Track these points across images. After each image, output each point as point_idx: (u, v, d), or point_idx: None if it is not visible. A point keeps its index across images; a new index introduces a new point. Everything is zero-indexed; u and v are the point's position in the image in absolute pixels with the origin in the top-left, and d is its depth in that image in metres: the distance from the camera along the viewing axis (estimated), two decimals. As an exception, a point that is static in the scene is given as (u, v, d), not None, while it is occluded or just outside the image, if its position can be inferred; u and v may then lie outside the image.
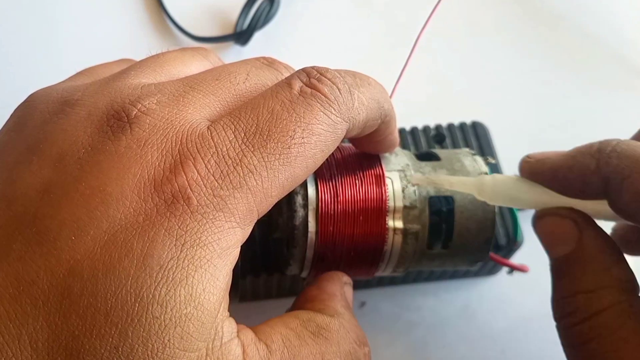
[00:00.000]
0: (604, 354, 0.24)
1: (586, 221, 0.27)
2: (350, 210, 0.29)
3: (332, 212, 0.28)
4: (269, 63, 0.26)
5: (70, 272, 0.18)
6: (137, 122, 0.21)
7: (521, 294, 0.39)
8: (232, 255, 0.21)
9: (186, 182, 0.20)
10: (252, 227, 0.22)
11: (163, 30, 0.50)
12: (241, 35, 0.48)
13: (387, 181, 0.29)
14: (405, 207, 0.29)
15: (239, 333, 0.21)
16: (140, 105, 0.21)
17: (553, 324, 0.27)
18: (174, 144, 0.21)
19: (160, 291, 0.19)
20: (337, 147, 0.30)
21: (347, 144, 0.31)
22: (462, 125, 0.41)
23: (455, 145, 0.39)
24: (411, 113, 0.43)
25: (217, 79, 0.24)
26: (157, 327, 0.18)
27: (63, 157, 0.21)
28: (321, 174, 0.29)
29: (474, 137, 0.40)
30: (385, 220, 0.29)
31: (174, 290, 0.19)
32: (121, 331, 0.18)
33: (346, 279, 0.29)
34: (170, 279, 0.19)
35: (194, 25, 0.49)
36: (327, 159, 0.29)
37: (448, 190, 0.30)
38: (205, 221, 0.20)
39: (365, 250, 0.29)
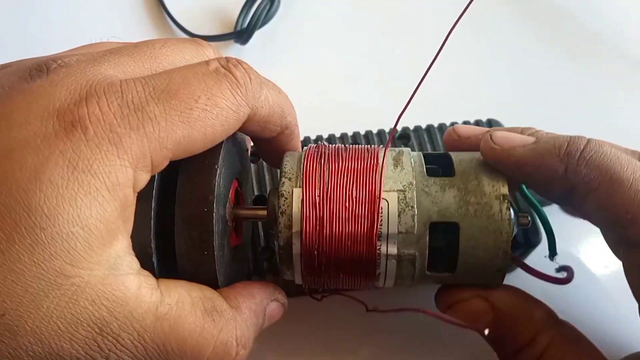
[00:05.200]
0: None
1: (486, 289, 0.29)
2: (337, 233, 0.26)
3: (317, 236, 0.26)
4: (193, 40, 0.28)
5: None
6: (54, 71, 0.23)
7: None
8: (123, 195, 0.22)
9: (87, 114, 0.21)
10: (147, 176, 0.23)
11: (163, 28, 0.50)
12: (241, 34, 0.47)
13: (383, 203, 0.26)
14: (400, 232, 0.26)
15: (141, 274, 0.23)
16: (60, 60, 0.23)
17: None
18: (83, 86, 0.22)
19: (48, 204, 0.20)
20: (337, 149, 0.28)
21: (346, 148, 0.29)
22: (478, 123, 0.39)
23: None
24: (427, 111, 0.41)
25: (136, 46, 0.25)
26: (43, 238, 0.20)
27: None
28: (308, 193, 0.27)
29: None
30: (376, 246, 0.26)
31: (62, 205, 0.20)
32: (8, 236, 0.20)
33: (280, 297, 0.29)
34: (60, 195, 0.20)
35: (194, 24, 0.49)
36: (320, 169, 0.27)
37: (454, 215, 0.27)
38: (98, 150, 0.21)
39: (355, 274, 0.27)
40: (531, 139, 0.28)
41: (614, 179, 0.25)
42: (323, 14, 0.51)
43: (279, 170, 0.31)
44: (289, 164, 0.28)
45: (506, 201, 0.27)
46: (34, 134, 0.21)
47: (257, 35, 0.48)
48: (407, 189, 0.27)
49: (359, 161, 0.28)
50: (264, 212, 0.28)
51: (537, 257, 0.34)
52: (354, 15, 0.51)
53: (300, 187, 0.27)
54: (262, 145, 0.30)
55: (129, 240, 0.23)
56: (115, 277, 0.22)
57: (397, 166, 0.28)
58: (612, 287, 0.38)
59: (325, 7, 0.51)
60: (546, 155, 0.26)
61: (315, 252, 0.26)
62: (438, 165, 0.29)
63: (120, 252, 0.22)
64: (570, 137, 0.27)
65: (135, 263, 0.23)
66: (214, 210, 0.25)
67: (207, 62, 0.25)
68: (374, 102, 0.43)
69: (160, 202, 0.26)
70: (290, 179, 0.27)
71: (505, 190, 0.27)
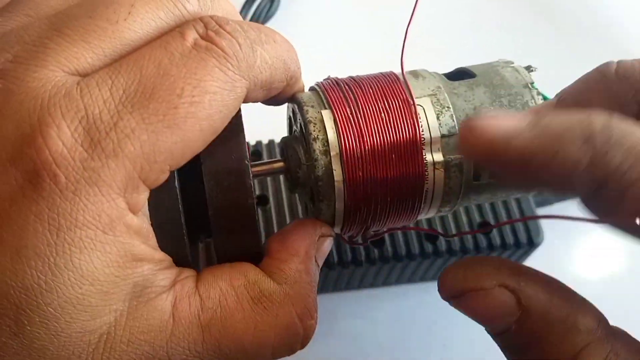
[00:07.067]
0: None
1: (515, 276, 0.22)
2: (380, 149, 0.24)
3: (359, 155, 0.24)
4: None
5: None
6: None
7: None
8: (123, 226, 0.19)
9: (50, 156, 0.18)
10: (145, 194, 0.20)
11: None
12: (241, 34, 0.46)
13: (418, 109, 0.25)
14: (443, 136, 0.25)
15: (177, 283, 0.21)
16: None
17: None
18: (32, 111, 0.18)
19: (44, 278, 0.18)
20: (352, 77, 0.26)
21: (364, 75, 0.27)
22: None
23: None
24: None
25: (90, 16, 0.20)
26: (52, 311, 0.18)
27: None
28: (339, 111, 0.25)
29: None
30: (422, 155, 0.24)
31: (60, 275, 0.18)
32: (16, 321, 0.18)
33: (325, 230, 0.26)
34: (53, 264, 0.18)
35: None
36: (343, 92, 0.25)
37: (491, 110, 0.25)
38: (78, 200, 0.18)
39: (403, 194, 0.25)
40: (528, 117, 0.20)
41: None
42: (322, 13, 0.51)
43: (289, 116, 0.29)
44: (305, 96, 0.26)
45: (535, 88, 0.26)
46: None
47: (257, 34, 0.47)
48: (437, 92, 0.25)
49: (377, 80, 0.26)
50: (281, 164, 0.26)
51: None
52: (354, 14, 0.51)
53: (328, 108, 0.25)
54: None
55: (156, 253, 0.21)
56: (146, 303, 0.20)
57: (417, 78, 0.26)
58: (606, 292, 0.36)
59: (324, 6, 0.51)
60: (564, 139, 0.18)
61: (360, 174, 0.24)
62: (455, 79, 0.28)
63: (145, 274, 0.20)
64: (587, 113, 0.19)
65: (168, 274, 0.21)
66: (257, 214, 0.23)
67: (182, 35, 0.20)
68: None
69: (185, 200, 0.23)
70: (312, 106, 0.25)
71: (529, 78, 0.27)
